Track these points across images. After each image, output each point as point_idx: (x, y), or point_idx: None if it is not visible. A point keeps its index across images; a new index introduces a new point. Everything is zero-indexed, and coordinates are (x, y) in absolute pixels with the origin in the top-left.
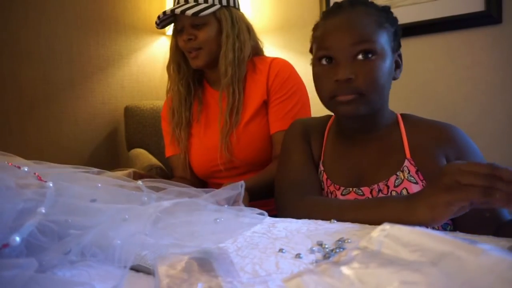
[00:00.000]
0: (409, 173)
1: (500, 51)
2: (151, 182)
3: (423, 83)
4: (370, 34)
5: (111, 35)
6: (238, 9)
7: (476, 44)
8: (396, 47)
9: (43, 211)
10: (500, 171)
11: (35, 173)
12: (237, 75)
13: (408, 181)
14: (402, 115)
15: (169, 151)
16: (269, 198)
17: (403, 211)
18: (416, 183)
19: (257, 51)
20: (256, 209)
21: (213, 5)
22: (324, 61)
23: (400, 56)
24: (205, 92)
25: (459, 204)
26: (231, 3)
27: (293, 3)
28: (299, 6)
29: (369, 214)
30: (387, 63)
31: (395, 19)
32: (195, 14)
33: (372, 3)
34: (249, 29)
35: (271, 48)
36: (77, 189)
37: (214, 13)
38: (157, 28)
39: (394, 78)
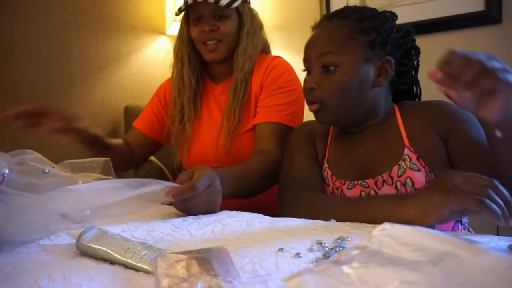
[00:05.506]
0: (410, 161)
1: (500, 51)
2: None
3: (423, 83)
4: (334, 47)
5: (111, 35)
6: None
7: (476, 44)
8: (381, 54)
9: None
10: (497, 189)
11: None
12: (249, 70)
13: (410, 169)
14: (398, 104)
15: (138, 123)
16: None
17: (392, 208)
18: (419, 170)
19: (265, 49)
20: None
21: None
22: (306, 71)
23: (389, 61)
24: (206, 86)
25: (451, 207)
26: (248, 0)
27: (293, 3)
28: (299, 6)
29: (361, 211)
30: (358, 73)
31: (380, 28)
32: (228, 5)
33: (353, 13)
34: (261, 27)
35: (271, 48)
36: None
37: (237, 7)
38: (176, 15)
39: (376, 86)
